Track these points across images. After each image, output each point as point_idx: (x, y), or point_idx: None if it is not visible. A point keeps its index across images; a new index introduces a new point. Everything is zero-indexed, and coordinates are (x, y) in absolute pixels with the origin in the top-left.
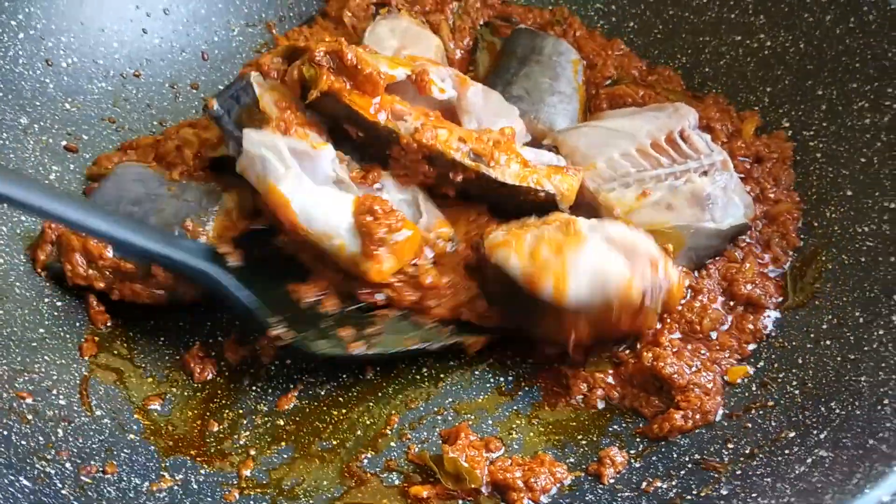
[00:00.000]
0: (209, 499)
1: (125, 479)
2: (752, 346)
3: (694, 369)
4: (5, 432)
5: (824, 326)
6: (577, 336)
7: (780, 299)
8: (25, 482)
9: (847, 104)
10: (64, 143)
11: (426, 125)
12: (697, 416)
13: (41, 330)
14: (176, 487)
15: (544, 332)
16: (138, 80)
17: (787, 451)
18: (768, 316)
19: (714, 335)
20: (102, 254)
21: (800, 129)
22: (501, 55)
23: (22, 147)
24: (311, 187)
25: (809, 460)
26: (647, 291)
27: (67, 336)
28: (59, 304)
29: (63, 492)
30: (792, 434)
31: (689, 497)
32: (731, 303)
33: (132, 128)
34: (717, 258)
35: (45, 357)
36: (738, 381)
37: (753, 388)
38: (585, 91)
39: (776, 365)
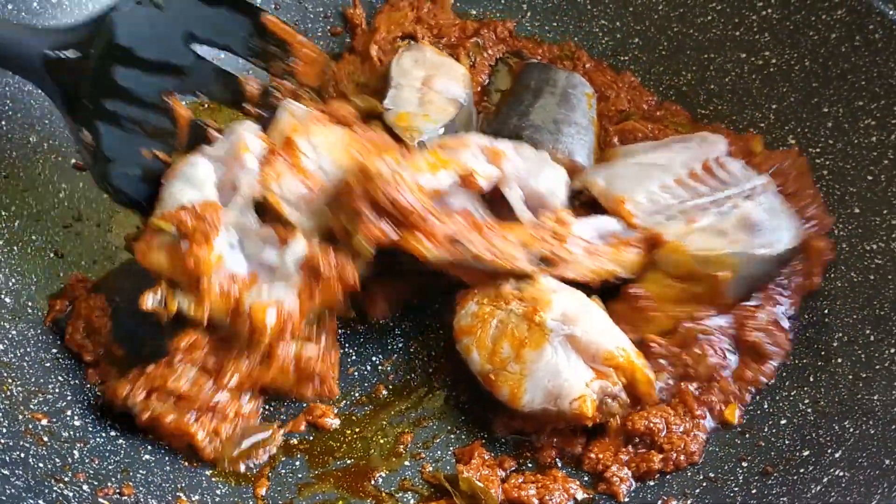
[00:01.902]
0: None
1: (142, 500)
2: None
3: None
4: (22, 454)
5: (835, 344)
6: (534, 429)
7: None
8: None
9: (853, 122)
10: (73, 161)
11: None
12: (681, 458)
13: (54, 350)
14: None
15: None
16: None
17: (801, 470)
18: (771, 365)
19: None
20: (101, 329)
21: (806, 146)
22: (514, 88)
23: (32, 165)
24: (201, 167)
25: (826, 479)
26: (602, 403)
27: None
28: None
29: None
30: (806, 453)
31: None
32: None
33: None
34: None
35: (59, 377)
36: (735, 419)
37: (765, 406)
38: (598, 124)
39: (787, 382)
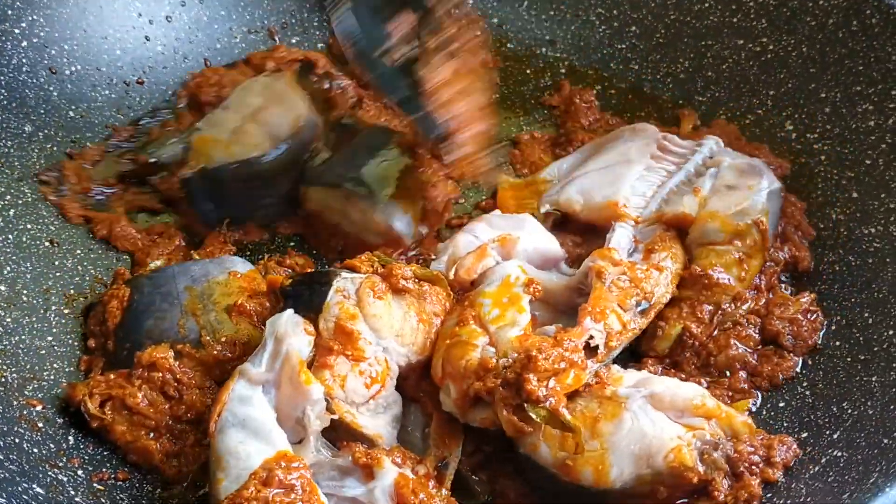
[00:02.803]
0: None
1: (137, 485)
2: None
3: None
4: (17, 440)
5: (833, 328)
6: None
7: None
8: (39, 489)
9: (851, 107)
10: (67, 150)
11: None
12: None
13: (49, 338)
14: (189, 495)
15: None
16: (141, 87)
17: (800, 452)
18: (792, 361)
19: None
20: (110, 321)
21: (803, 131)
22: (354, 142)
23: (27, 155)
24: (258, 405)
25: (823, 460)
26: (704, 453)
27: (76, 343)
28: (66, 311)
29: (77, 499)
30: (804, 435)
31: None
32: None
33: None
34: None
35: (55, 365)
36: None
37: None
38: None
39: None
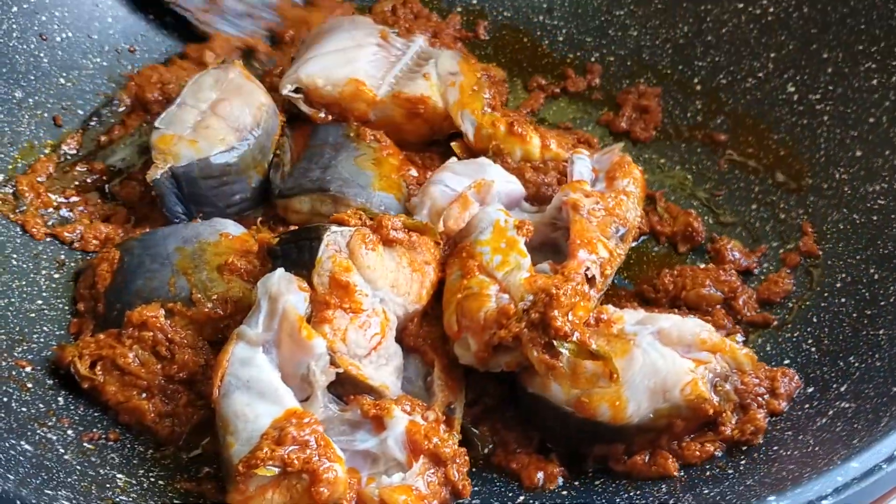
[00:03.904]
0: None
1: (129, 446)
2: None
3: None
4: (5, 399)
5: (838, 285)
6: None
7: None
8: (27, 446)
9: (853, 66)
10: (55, 115)
11: None
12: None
13: (39, 301)
14: (181, 454)
15: (604, 452)
16: (133, 55)
17: (806, 406)
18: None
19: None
20: (100, 283)
21: (805, 93)
22: (311, 144)
23: (17, 121)
24: (261, 366)
25: (831, 412)
26: (717, 385)
27: (66, 307)
28: (55, 276)
29: (66, 457)
30: (811, 389)
31: None
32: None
33: (127, 103)
34: None
35: (44, 328)
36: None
37: (768, 348)
38: None
39: (789, 325)
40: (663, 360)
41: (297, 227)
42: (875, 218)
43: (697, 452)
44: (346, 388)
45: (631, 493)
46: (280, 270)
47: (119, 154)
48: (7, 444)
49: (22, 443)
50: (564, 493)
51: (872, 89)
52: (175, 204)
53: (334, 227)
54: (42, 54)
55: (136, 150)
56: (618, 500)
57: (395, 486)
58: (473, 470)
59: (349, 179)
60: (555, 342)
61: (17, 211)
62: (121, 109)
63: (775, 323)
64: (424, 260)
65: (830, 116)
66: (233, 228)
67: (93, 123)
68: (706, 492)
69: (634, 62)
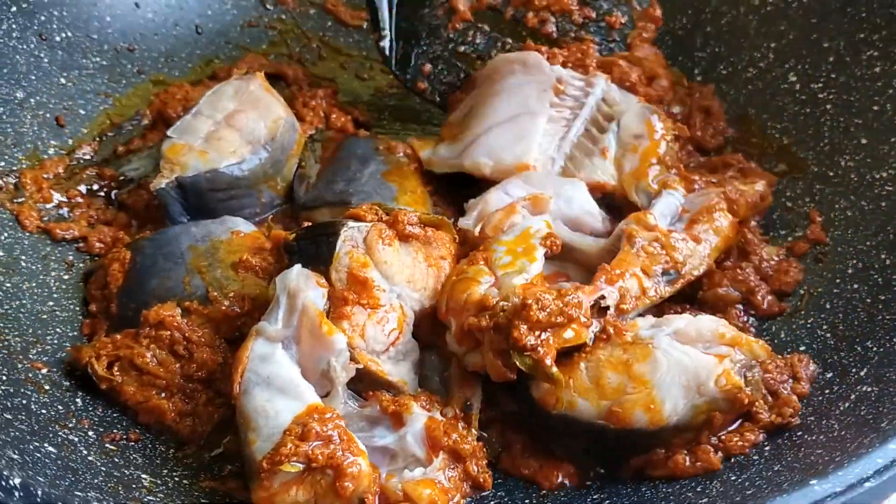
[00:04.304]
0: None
1: (150, 445)
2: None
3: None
4: (24, 401)
5: (850, 271)
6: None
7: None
8: (50, 448)
9: (855, 54)
10: (57, 115)
11: None
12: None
13: (50, 303)
14: (203, 453)
15: (643, 461)
16: (132, 54)
17: (827, 391)
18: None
19: None
20: (112, 283)
21: (807, 82)
22: (338, 156)
23: (19, 121)
24: (281, 362)
25: (853, 396)
26: (747, 375)
27: (77, 308)
28: (65, 277)
29: (90, 458)
30: (829, 375)
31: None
32: None
33: (128, 102)
34: None
35: (57, 329)
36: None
37: (782, 336)
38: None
39: (802, 312)
40: (688, 357)
41: (313, 224)
42: (884, 204)
43: (740, 442)
44: (364, 383)
45: (657, 482)
46: (298, 266)
47: (133, 164)
48: (31, 447)
49: (45, 445)
50: (589, 482)
51: (875, 77)
52: (180, 214)
53: (351, 223)
54: (42, 54)
55: (152, 163)
56: (643, 489)
57: (418, 479)
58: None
59: (372, 193)
60: (511, 352)
61: (15, 201)
62: (143, 123)
63: (788, 310)
64: (440, 255)
65: (833, 105)
66: (244, 226)
67: (111, 134)
68: (733, 478)
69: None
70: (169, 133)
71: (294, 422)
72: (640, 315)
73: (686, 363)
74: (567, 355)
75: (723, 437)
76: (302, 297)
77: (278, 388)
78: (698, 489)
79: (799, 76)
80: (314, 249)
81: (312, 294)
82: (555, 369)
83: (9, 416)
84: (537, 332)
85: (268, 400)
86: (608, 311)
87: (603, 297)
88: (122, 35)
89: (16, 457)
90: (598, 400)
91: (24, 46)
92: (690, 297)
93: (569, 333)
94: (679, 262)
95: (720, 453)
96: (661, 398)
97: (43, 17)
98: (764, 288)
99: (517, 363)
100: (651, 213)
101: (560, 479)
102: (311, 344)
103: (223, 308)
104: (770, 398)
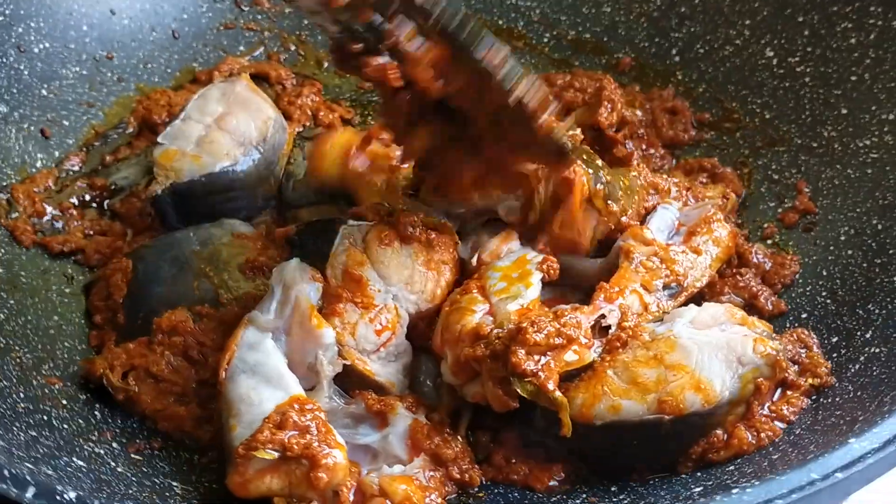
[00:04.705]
0: None
1: (174, 453)
2: None
3: None
4: (45, 417)
5: (842, 238)
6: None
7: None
8: (80, 462)
9: (830, 27)
10: (42, 128)
11: None
12: None
13: (55, 317)
14: None
15: (704, 447)
16: (111, 62)
17: (835, 355)
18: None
19: None
20: (115, 293)
21: (784, 56)
22: None
23: (5, 136)
24: (269, 352)
25: (862, 358)
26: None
27: (82, 321)
28: (66, 290)
29: (119, 469)
30: (835, 339)
31: None
32: None
33: (111, 111)
34: None
35: (65, 343)
36: None
37: (782, 305)
38: None
39: (800, 280)
40: (714, 337)
41: (316, 219)
42: (870, 171)
43: (791, 409)
44: (351, 381)
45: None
46: (296, 260)
47: (123, 173)
48: (62, 462)
49: (74, 459)
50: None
51: (851, 48)
52: (176, 221)
53: (352, 221)
54: (22, 66)
55: (141, 170)
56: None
57: (396, 475)
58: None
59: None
60: (511, 378)
61: (9, 217)
62: (129, 132)
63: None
64: (441, 259)
65: (812, 77)
66: (243, 227)
67: (98, 143)
68: (757, 458)
69: (611, 38)
70: (159, 139)
71: (275, 411)
72: None
73: (716, 342)
74: (574, 377)
75: (772, 407)
76: (296, 290)
77: (264, 376)
78: (729, 468)
79: (776, 51)
80: (314, 244)
81: (306, 287)
82: (558, 393)
83: (34, 434)
84: (536, 357)
85: (252, 388)
86: (609, 331)
87: (603, 317)
88: (100, 43)
89: (51, 473)
90: (642, 396)
91: (4, 59)
92: None
93: (570, 356)
94: (680, 274)
95: (776, 422)
96: (708, 377)
97: (20, 29)
98: (766, 291)
99: (518, 390)
100: (647, 228)
101: (552, 482)
102: (301, 336)
103: (235, 310)
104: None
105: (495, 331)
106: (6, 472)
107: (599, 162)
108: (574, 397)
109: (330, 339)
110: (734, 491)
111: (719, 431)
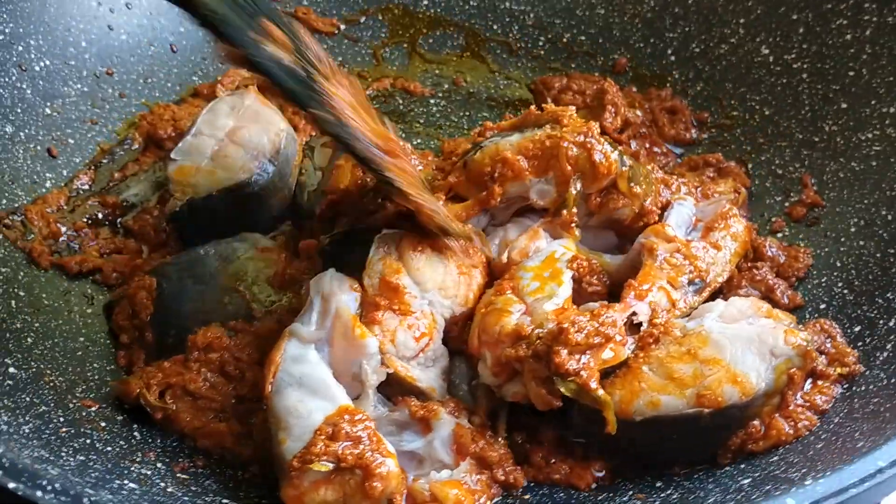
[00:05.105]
0: None
1: (217, 470)
2: None
3: None
4: (88, 441)
5: (853, 230)
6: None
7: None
8: (132, 485)
9: (825, 24)
10: (48, 147)
11: None
12: None
13: (81, 338)
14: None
15: (742, 438)
16: (112, 78)
17: (860, 344)
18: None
19: None
20: (142, 312)
21: (780, 54)
22: None
23: (13, 157)
24: (314, 363)
25: (889, 346)
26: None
27: (107, 341)
28: (88, 311)
29: (170, 490)
30: (858, 328)
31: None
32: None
33: (114, 128)
34: None
35: (94, 364)
36: None
37: (798, 299)
38: None
39: (814, 272)
40: (745, 331)
41: (346, 229)
42: (874, 164)
43: (824, 398)
44: (393, 388)
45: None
46: (332, 270)
47: (133, 189)
48: (115, 486)
49: (126, 482)
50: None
51: (847, 44)
52: (193, 236)
53: (385, 230)
54: (24, 85)
55: (151, 186)
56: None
57: (445, 480)
58: None
59: None
60: (554, 378)
61: (26, 239)
62: (134, 148)
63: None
64: (472, 263)
65: (809, 73)
66: (264, 241)
67: (105, 161)
68: (799, 447)
69: (606, 39)
70: (172, 155)
71: (325, 422)
72: None
73: (747, 335)
74: (608, 375)
75: (805, 397)
76: (335, 301)
77: (310, 388)
78: (773, 458)
79: (771, 49)
80: (348, 254)
81: (345, 297)
82: (601, 391)
83: (82, 458)
84: (577, 356)
85: (300, 400)
86: (641, 327)
87: (634, 314)
88: (100, 59)
89: (111, 497)
90: (680, 391)
91: (6, 79)
92: None
93: (608, 353)
94: (703, 270)
95: (811, 412)
96: (744, 370)
97: (20, 48)
98: (782, 284)
99: (562, 389)
100: (668, 225)
101: (594, 479)
102: (344, 347)
103: (269, 324)
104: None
105: (536, 331)
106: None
107: (621, 147)
108: (612, 394)
109: (374, 348)
110: (807, 482)
111: (756, 422)
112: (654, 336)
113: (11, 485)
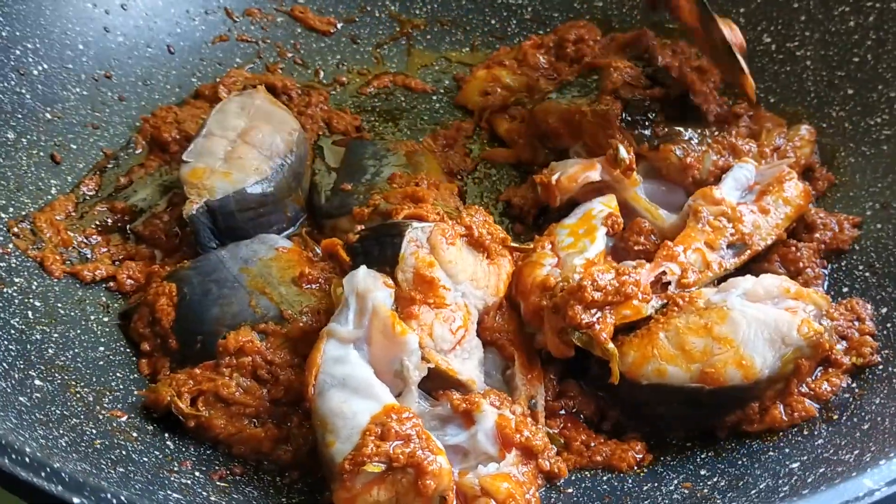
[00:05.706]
0: None
1: (255, 477)
2: None
3: None
4: (124, 452)
5: (869, 213)
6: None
7: None
8: (177, 495)
9: (827, 11)
10: (52, 153)
11: None
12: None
13: (101, 348)
14: (307, 476)
15: (738, 418)
16: (110, 81)
17: (888, 325)
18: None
19: None
20: (163, 319)
21: (783, 41)
22: (349, 161)
23: (16, 164)
24: (355, 363)
25: None
26: (821, 323)
27: (128, 350)
28: (105, 319)
29: (212, 499)
30: (885, 310)
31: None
32: None
33: (116, 132)
34: None
35: (117, 374)
36: None
37: (821, 282)
38: None
39: (833, 256)
40: (764, 313)
41: (376, 224)
42: (885, 148)
43: (828, 388)
44: (433, 383)
45: (750, 444)
46: (364, 268)
47: (140, 194)
48: (160, 497)
49: (170, 493)
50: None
51: (850, 31)
52: (209, 239)
53: (415, 223)
54: (23, 90)
55: (158, 189)
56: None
57: (494, 474)
58: None
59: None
60: (568, 329)
61: (35, 247)
62: (138, 152)
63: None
64: (500, 253)
65: (813, 61)
66: (283, 242)
67: (110, 166)
68: (836, 417)
69: (605, 32)
70: (185, 157)
71: (372, 422)
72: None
73: (764, 319)
74: (632, 329)
75: (811, 385)
76: (371, 298)
77: (353, 388)
78: (818, 441)
79: (773, 37)
80: (378, 251)
81: (381, 294)
82: (610, 345)
83: (122, 470)
84: (593, 311)
85: (344, 401)
86: (669, 286)
87: (664, 273)
88: (98, 62)
89: None
90: (687, 364)
91: (5, 84)
92: None
93: (626, 311)
94: (746, 234)
95: (811, 401)
96: (750, 354)
97: (18, 52)
98: (813, 264)
99: (574, 340)
100: (718, 188)
101: (635, 461)
102: (384, 344)
103: (300, 325)
104: (843, 343)
105: (560, 283)
106: None
107: None
108: (626, 353)
109: (414, 344)
110: (881, 461)
111: (755, 405)
112: (680, 305)
113: (76, 500)
